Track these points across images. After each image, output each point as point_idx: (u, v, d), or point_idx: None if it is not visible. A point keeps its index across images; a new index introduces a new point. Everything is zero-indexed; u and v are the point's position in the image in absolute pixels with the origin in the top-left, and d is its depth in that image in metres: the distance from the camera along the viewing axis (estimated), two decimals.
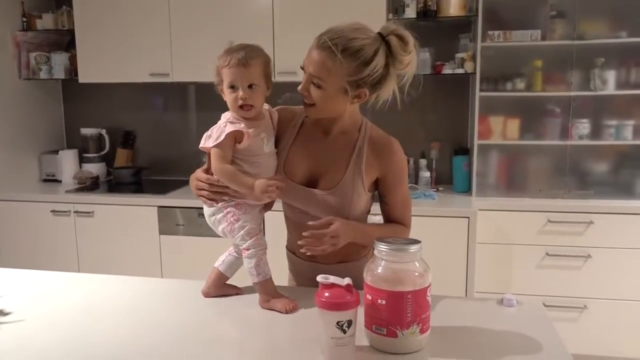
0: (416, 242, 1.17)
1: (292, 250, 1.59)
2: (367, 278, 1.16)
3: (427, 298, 1.15)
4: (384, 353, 1.15)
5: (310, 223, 1.36)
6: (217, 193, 1.39)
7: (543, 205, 2.86)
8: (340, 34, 1.32)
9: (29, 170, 3.55)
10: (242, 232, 1.38)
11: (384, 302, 1.12)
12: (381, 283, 1.13)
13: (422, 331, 1.14)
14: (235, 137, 1.37)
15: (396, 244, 1.15)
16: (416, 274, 1.14)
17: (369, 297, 1.15)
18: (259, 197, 1.35)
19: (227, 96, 1.38)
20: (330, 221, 1.36)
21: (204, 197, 1.41)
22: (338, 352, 1.11)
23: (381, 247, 1.15)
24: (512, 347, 1.18)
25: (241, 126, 1.36)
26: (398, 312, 1.12)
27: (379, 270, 1.15)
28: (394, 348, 1.14)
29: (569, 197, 2.92)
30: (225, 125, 1.37)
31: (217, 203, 1.40)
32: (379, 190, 1.50)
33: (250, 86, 1.36)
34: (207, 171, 1.43)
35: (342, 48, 1.30)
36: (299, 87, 1.38)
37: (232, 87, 1.36)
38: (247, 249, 1.38)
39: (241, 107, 1.36)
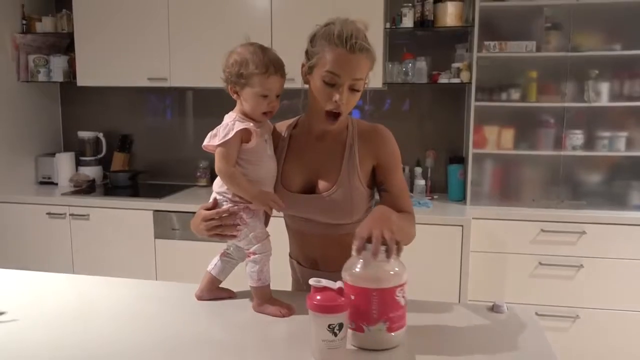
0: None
1: (295, 258, 1.59)
2: (344, 273, 1.19)
3: (397, 297, 1.16)
4: (370, 352, 1.17)
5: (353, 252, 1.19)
6: (231, 220, 1.37)
7: (536, 214, 2.88)
8: (357, 31, 1.33)
9: (25, 172, 3.56)
10: (249, 235, 1.38)
11: (353, 297, 1.16)
12: (353, 279, 1.17)
13: (390, 329, 1.17)
14: (242, 137, 1.37)
15: (370, 244, 1.18)
16: (390, 273, 1.16)
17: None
18: (257, 206, 1.37)
19: (255, 102, 1.37)
20: (361, 233, 1.18)
21: (219, 233, 1.38)
22: (329, 355, 1.12)
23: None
24: (501, 353, 1.19)
25: (250, 125, 1.37)
26: (364, 308, 1.15)
27: (353, 267, 1.18)
28: (361, 343, 1.18)
29: (562, 207, 2.95)
30: (233, 123, 1.37)
31: (237, 235, 1.38)
32: (377, 180, 1.47)
33: (277, 96, 1.39)
34: (209, 209, 1.40)
35: (369, 44, 1.35)
36: (339, 98, 1.33)
37: (265, 96, 1.37)
38: (254, 253, 1.38)
39: (264, 113, 1.39)
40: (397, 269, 1.17)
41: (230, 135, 1.35)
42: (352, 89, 1.35)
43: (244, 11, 3.10)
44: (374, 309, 1.14)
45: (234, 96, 1.41)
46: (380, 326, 1.15)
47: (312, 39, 1.39)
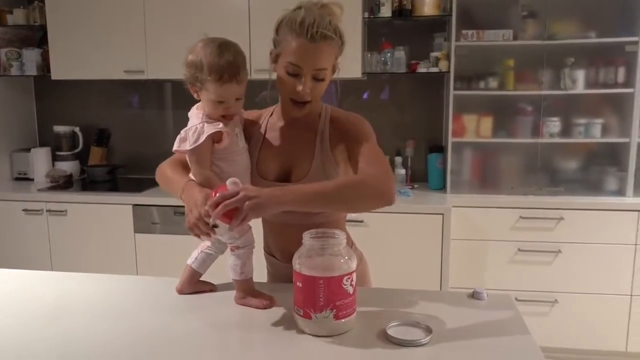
0: (339, 234, 1.22)
1: (270, 253, 1.58)
2: (294, 260, 1.22)
3: (344, 286, 1.18)
4: (327, 337, 1.20)
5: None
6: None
7: (515, 201, 2.92)
8: (321, 18, 1.30)
9: (0, 168, 3.48)
10: (230, 231, 1.35)
11: (300, 284, 1.19)
12: (300, 267, 1.19)
13: (337, 317, 1.19)
14: (213, 138, 1.34)
15: (319, 233, 1.22)
16: (337, 262, 1.19)
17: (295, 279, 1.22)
18: None
19: (212, 106, 1.33)
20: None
21: (197, 233, 1.31)
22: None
23: (305, 235, 1.22)
24: (481, 339, 1.21)
25: (220, 126, 1.34)
26: (311, 296, 1.17)
27: (302, 255, 1.21)
28: (310, 329, 1.21)
29: (540, 193, 2.99)
30: (202, 125, 1.33)
31: (211, 237, 1.33)
32: (348, 157, 1.42)
33: (237, 99, 1.35)
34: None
35: (334, 31, 1.32)
36: (302, 89, 1.32)
37: (221, 102, 1.33)
38: (238, 247, 1.37)
39: (224, 116, 1.35)
40: (341, 257, 1.21)
41: (201, 140, 1.31)
42: (316, 79, 1.34)
43: (221, 1, 3.06)
44: (320, 297, 1.17)
45: (195, 95, 1.37)
46: (326, 313, 1.17)
47: (278, 26, 1.37)
